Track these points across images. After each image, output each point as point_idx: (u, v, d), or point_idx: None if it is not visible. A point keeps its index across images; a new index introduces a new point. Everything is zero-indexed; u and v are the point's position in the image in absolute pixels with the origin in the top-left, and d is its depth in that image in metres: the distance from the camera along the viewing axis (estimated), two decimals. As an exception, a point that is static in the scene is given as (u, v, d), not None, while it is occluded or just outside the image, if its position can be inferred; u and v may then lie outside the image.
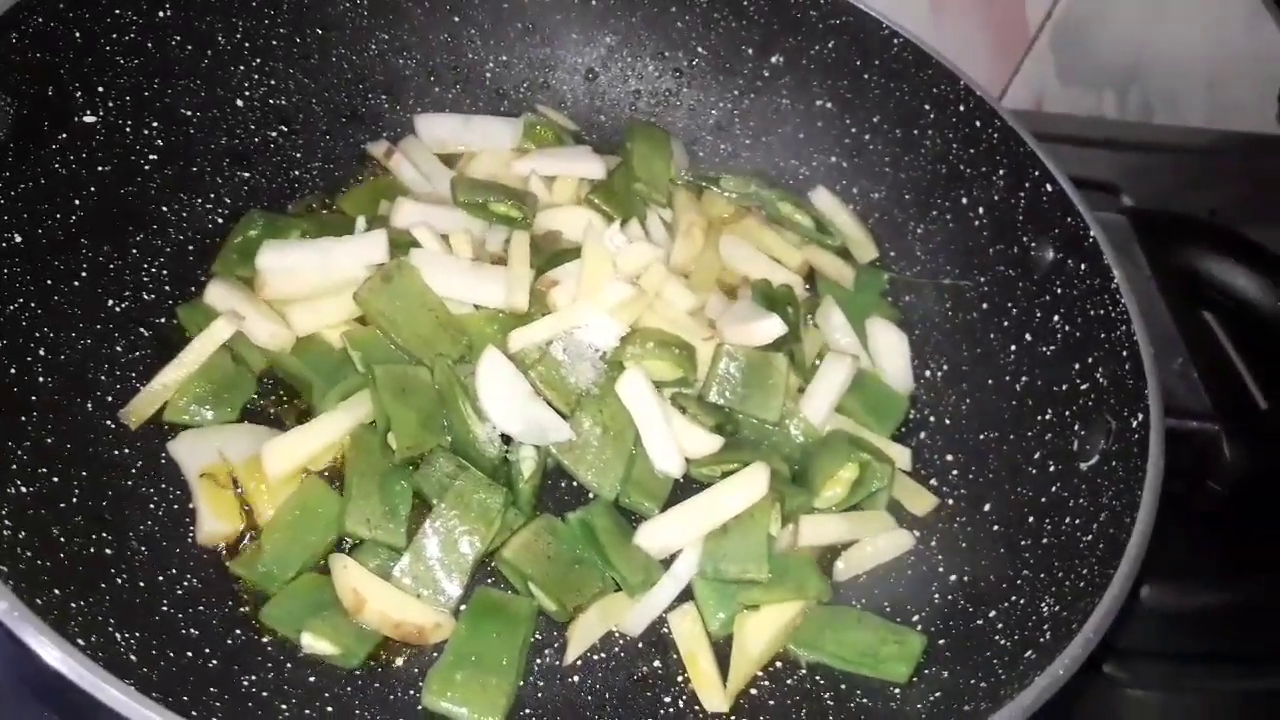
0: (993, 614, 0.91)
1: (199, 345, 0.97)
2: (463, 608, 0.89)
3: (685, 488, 0.99)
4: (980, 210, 1.12)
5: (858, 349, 1.11)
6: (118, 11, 0.99)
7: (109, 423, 0.93)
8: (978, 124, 1.11)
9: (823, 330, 1.13)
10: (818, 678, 0.92)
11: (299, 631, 0.86)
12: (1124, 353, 0.95)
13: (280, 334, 1.00)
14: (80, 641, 0.71)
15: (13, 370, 0.87)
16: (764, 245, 1.19)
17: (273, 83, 1.14)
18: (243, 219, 1.08)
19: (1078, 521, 0.91)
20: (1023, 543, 0.95)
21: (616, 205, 1.16)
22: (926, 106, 1.15)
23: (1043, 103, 1.80)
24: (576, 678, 0.90)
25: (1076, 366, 0.99)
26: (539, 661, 0.90)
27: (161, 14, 1.03)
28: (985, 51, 1.68)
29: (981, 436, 1.05)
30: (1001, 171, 1.10)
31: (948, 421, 1.09)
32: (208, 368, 0.97)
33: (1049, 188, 1.06)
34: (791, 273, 1.17)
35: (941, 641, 0.92)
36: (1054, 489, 0.96)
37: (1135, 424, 0.90)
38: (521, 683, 0.88)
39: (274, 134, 1.14)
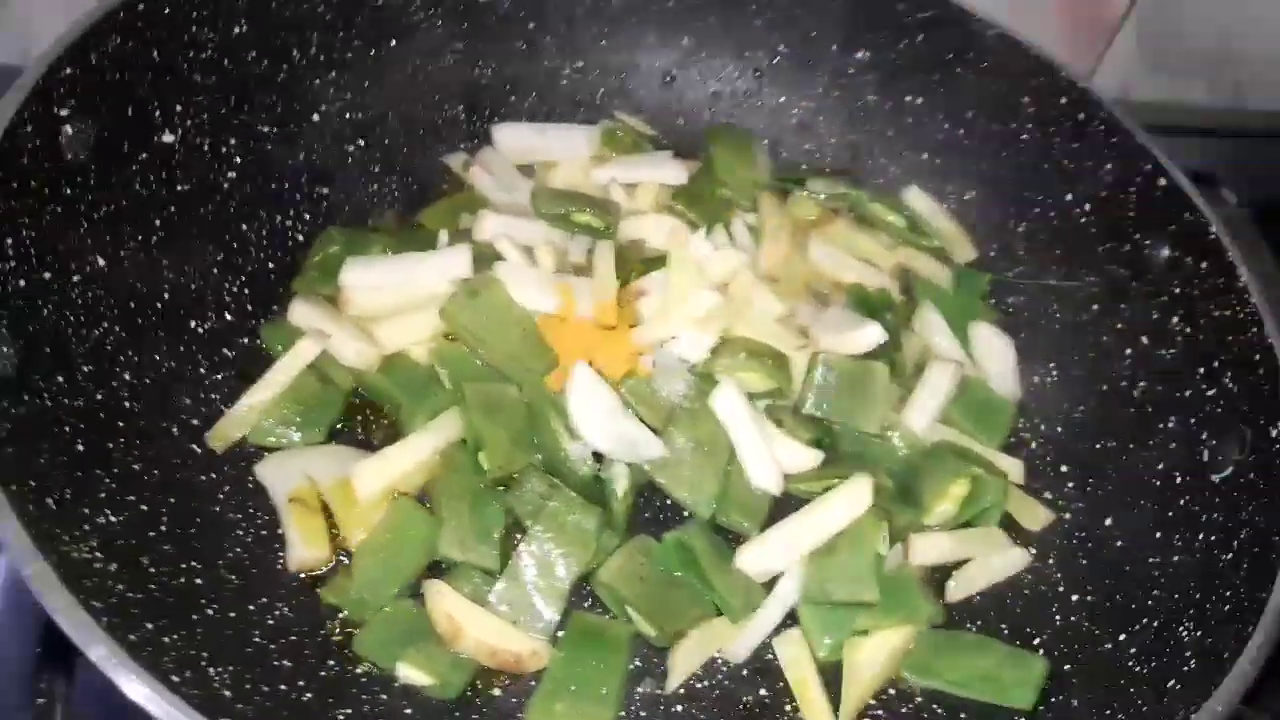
0: (1123, 638, 0.85)
1: (284, 365, 0.95)
2: (560, 634, 0.86)
3: (785, 505, 0.94)
4: (1087, 207, 1.06)
5: (960, 355, 1.06)
6: (194, 30, 0.98)
7: (195, 447, 0.91)
8: (1081, 116, 1.06)
9: (923, 336, 1.08)
10: (935, 706, 0.87)
11: (394, 661, 0.83)
12: (1256, 356, 0.88)
13: (366, 352, 0.97)
14: (174, 678, 0.68)
15: (98, 396, 0.86)
16: (855, 248, 1.14)
17: (349, 96, 1.12)
18: (321, 236, 1.06)
19: (1214, 538, 0.85)
20: (1151, 560, 0.89)
21: (700, 211, 1.12)
22: (1025, 99, 1.10)
23: (1130, 90, 1.73)
24: (680, 707, 0.86)
25: (1201, 371, 0.93)
26: (640, 690, 0.86)
27: (238, 30, 1.01)
28: (1067, 39, 1.62)
29: (1098, 447, 1.00)
30: (1109, 165, 1.04)
31: (1060, 431, 1.04)
32: (294, 388, 0.95)
33: (1162, 181, 1.00)
34: (885, 276, 1.12)
35: (1067, 667, 0.86)
36: (1183, 502, 0.90)
37: (1275, 433, 0.84)
38: (623, 713, 0.84)
39: (351, 149, 1.12)
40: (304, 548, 0.88)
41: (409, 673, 0.83)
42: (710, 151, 1.17)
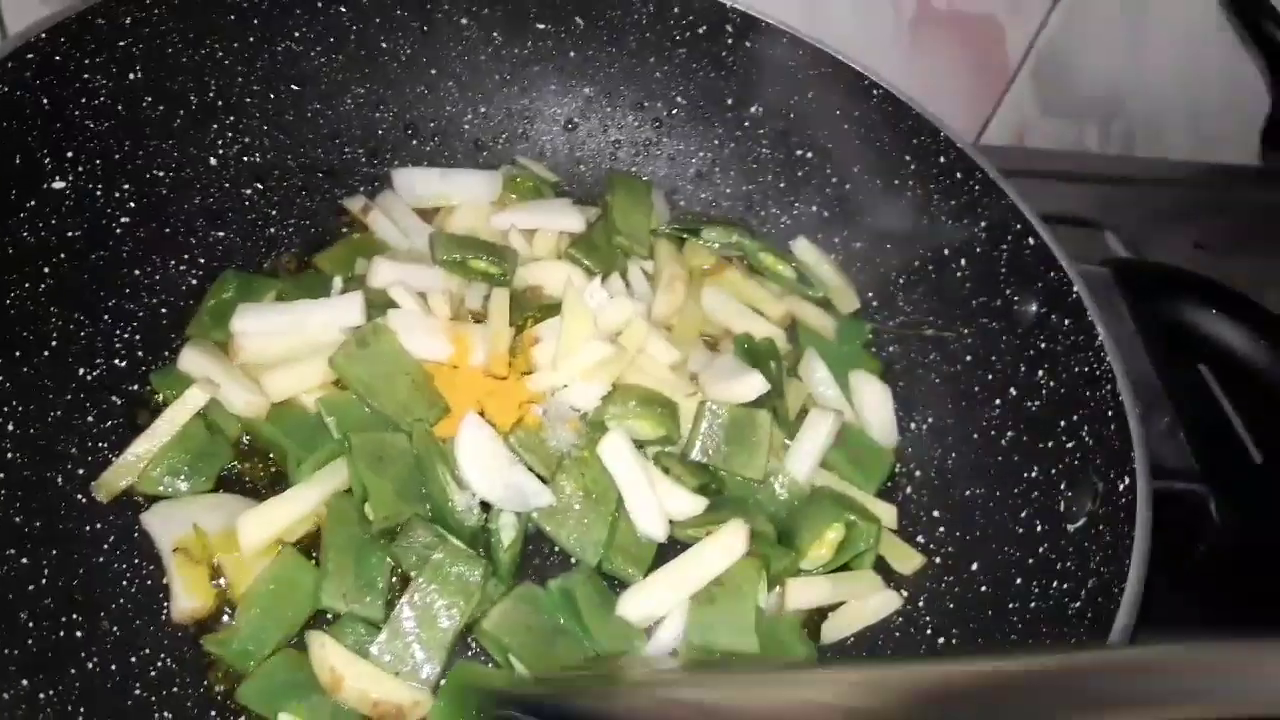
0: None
1: (172, 414, 0.95)
2: (442, 683, 0.88)
3: (670, 551, 0.97)
4: (963, 262, 1.11)
5: (842, 403, 1.10)
6: (86, 76, 0.98)
7: (80, 497, 0.91)
8: (959, 175, 1.11)
9: (806, 383, 1.12)
10: (805, 748, 0.90)
11: (277, 712, 0.84)
12: (1109, 412, 0.93)
13: (255, 401, 0.98)
14: (47, 738, 0.69)
15: (-21, 448, 0.85)
16: (746, 296, 1.18)
17: (246, 140, 1.13)
18: (217, 281, 1.06)
19: (1065, 586, 0.89)
20: (1010, 605, 0.93)
21: (597, 259, 1.15)
22: (907, 157, 1.14)
23: (1024, 136, 1.80)
24: (561, 753, 0.88)
25: (1062, 424, 0.98)
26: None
27: (132, 76, 1.02)
28: (966, 85, 1.68)
29: (968, 493, 1.04)
30: (983, 223, 1.09)
31: (934, 476, 1.08)
32: (182, 437, 0.95)
33: (1031, 240, 1.05)
34: (773, 324, 1.16)
35: None
36: (1041, 550, 0.95)
37: (1122, 487, 0.89)
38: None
39: (249, 192, 1.13)
40: (186, 598, 0.88)
41: (290, 724, 0.84)
42: (609, 200, 1.20)
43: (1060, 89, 1.73)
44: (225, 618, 0.90)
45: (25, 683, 0.76)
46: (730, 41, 1.20)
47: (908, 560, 1.02)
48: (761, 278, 1.20)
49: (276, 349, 1.01)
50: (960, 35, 1.61)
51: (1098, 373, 0.96)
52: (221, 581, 0.91)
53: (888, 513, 1.04)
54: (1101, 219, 1.57)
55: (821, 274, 1.19)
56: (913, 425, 1.12)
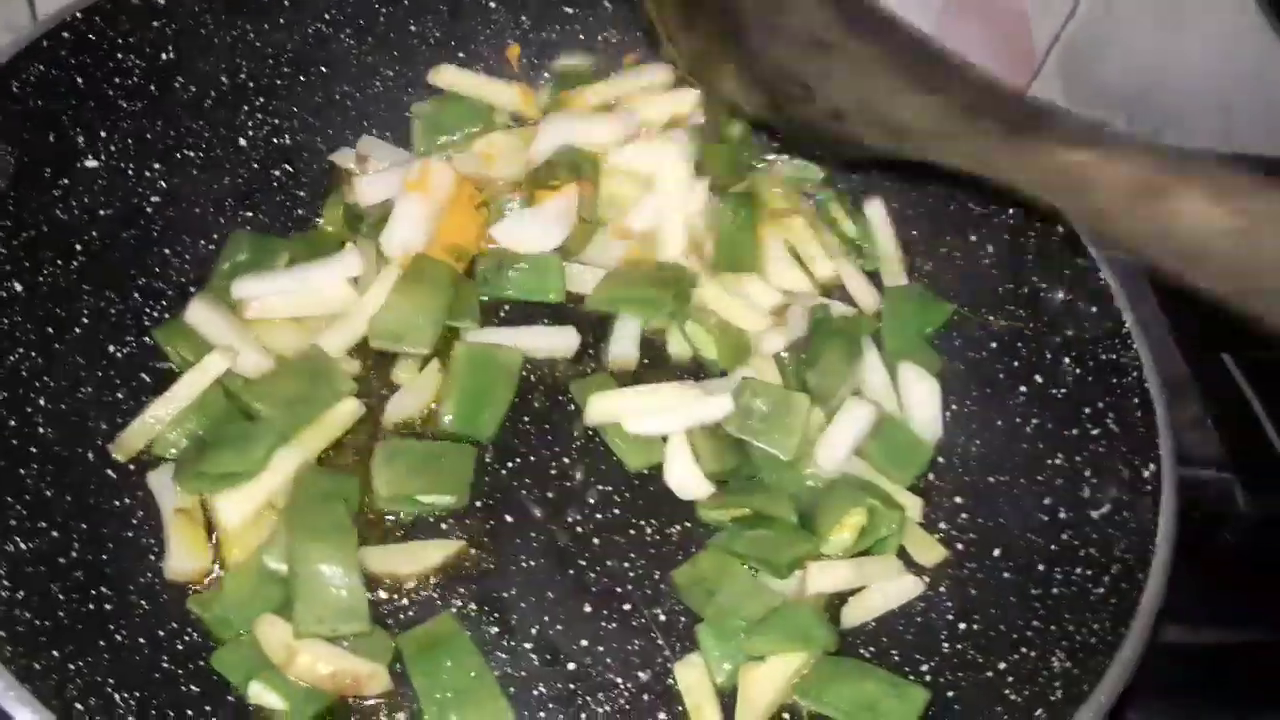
0: (1003, 666, 0.89)
1: (191, 379, 0.96)
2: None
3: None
4: (990, 248, 1.10)
5: (889, 392, 1.09)
6: (120, 56, 0.99)
7: (110, 472, 0.93)
8: (987, 162, 1.10)
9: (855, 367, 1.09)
10: (824, 730, 0.90)
11: (247, 680, 0.84)
12: (1135, 399, 0.93)
13: (263, 363, 0.99)
14: (79, 706, 0.70)
15: (12, 422, 0.87)
16: (801, 247, 1.17)
17: (276, 122, 1.13)
18: (229, 242, 1.07)
19: (1089, 572, 0.89)
20: (1033, 592, 0.93)
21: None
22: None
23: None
24: (581, 728, 0.89)
25: (1087, 411, 0.98)
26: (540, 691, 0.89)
27: (165, 57, 1.03)
28: (994, 75, 1.67)
29: (991, 480, 1.04)
30: (1010, 211, 1.08)
31: (957, 463, 1.08)
32: (201, 403, 0.95)
33: (1059, 227, 1.04)
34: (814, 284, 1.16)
35: (950, 694, 0.91)
36: (1065, 536, 0.94)
37: (1147, 474, 0.89)
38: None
39: (277, 173, 1.14)
40: (181, 558, 0.89)
41: (261, 693, 0.83)
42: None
43: (1088, 81, 1.72)
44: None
45: (55, 654, 0.77)
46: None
47: (930, 552, 1.01)
48: (822, 234, 1.18)
49: (284, 307, 1.02)
50: (987, 25, 1.60)
51: (1124, 360, 0.96)
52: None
53: (913, 504, 1.04)
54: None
55: (882, 240, 1.18)
56: (937, 412, 1.12)
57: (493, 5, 1.20)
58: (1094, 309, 1.00)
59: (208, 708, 0.82)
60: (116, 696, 0.77)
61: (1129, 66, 1.72)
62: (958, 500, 1.05)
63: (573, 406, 1.04)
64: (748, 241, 1.15)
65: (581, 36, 1.24)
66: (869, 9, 0.83)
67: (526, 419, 1.03)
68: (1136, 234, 0.66)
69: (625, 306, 1.10)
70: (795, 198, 1.20)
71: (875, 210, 1.20)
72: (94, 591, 0.84)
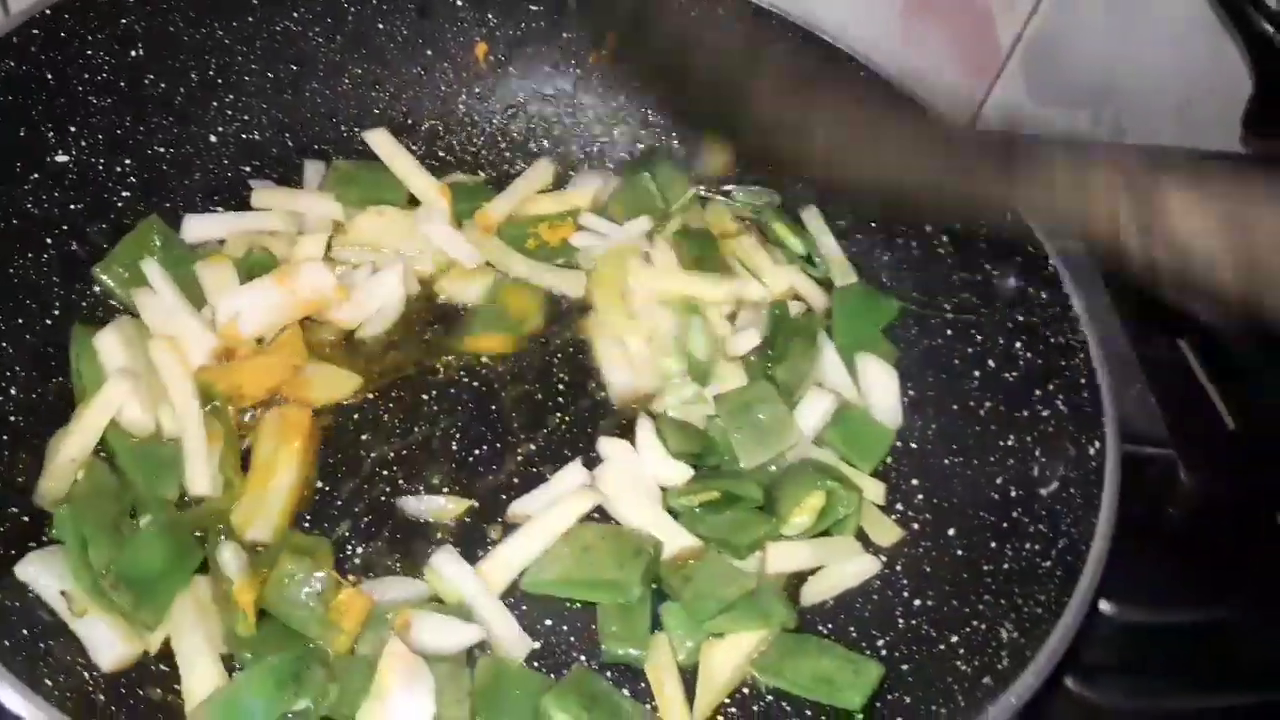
0: (955, 639, 0.92)
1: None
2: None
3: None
4: (944, 238, 1.13)
5: (848, 384, 1.12)
6: (90, 53, 1.01)
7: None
8: (941, 153, 1.13)
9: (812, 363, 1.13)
10: (783, 704, 0.93)
11: None
12: (1082, 380, 0.96)
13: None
14: (48, 683, 0.72)
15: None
16: (754, 264, 1.20)
17: (246, 118, 1.16)
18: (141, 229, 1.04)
19: (1037, 547, 0.92)
20: (985, 568, 0.96)
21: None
22: (893, 136, 1.16)
23: (1017, 121, 1.81)
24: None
25: (1038, 393, 1.01)
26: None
27: (134, 54, 1.05)
28: (958, 73, 1.70)
29: (946, 462, 1.07)
30: (963, 200, 1.11)
31: (914, 446, 1.11)
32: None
33: (1009, 215, 1.07)
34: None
35: (905, 667, 0.93)
36: (1015, 514, 0.97)
37: (1093, 451, 0.92)
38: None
39: (247, 169, 1.16)
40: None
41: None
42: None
43: (1051, 77, 1.75)
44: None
45: (25, 633, 0.79)
46: (722, 22, 1.22)
47: (887, 532, 1.04)
48: (771, 248, 1.22)
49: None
50: (950, 22, 1.63)
51: (1072, 342, 0.99)
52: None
53: (875, 489, 1.06)
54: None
55: (824, 246, 1.21)
56: (895, 397, 1.15)
57: (460, 4, 1.23)
58: (1044, 294, 1.03)
59: (177, 686, 0.83)
60: (86, 675, 0.79)
61: (1090, 64, 1.75)
62: (914, 482, 1.08)
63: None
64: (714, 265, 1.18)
65: (547, 33, 1.26)
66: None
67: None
68: (1129, 236, 0.69)
69: (579, 591, 0.95)
70: (740, 223, 1.24)
71: (812, 218, 1.24)
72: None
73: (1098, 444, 0.92)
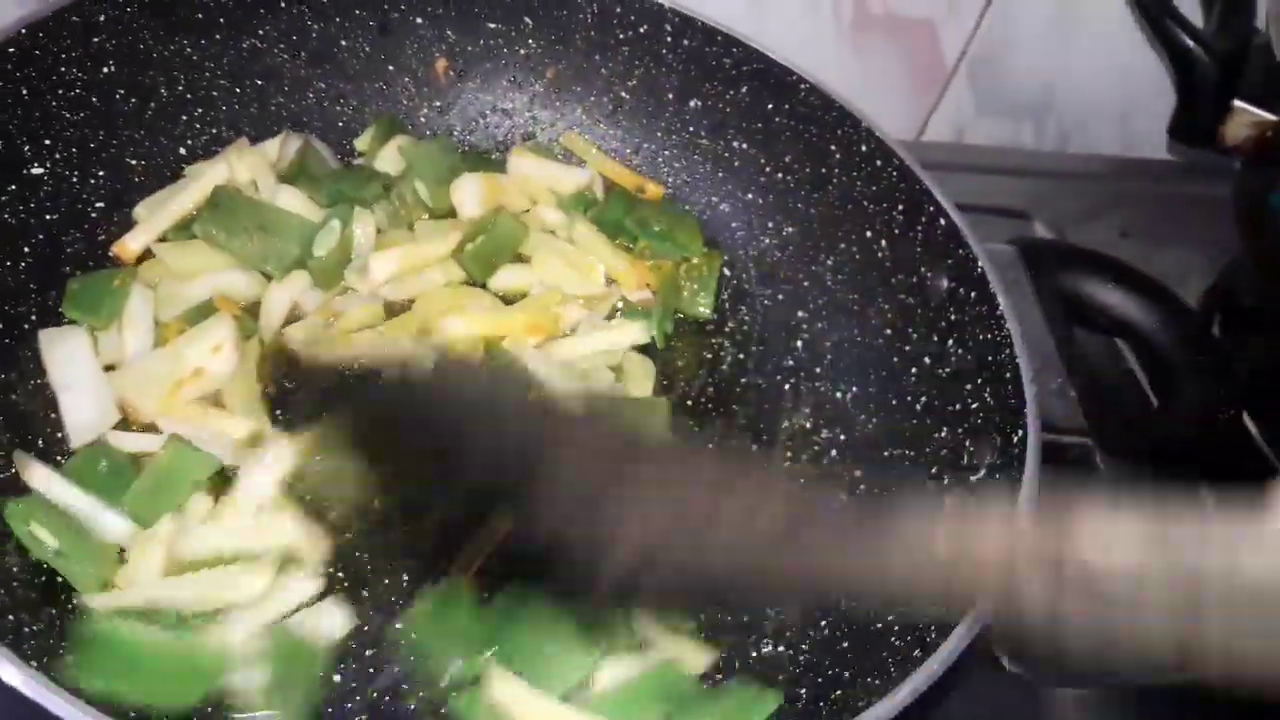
0: (890, 617, 0.98)
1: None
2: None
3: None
4: (883, 243, 1.20)
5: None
6: (63, 70, 1.05)
7: (61, 459, 0.98)
8: (878, 163, 1.19)
9: None
10: None
11: None
12: (1007, 374, 1.02)
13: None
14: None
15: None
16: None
17: (214, 131, 1.20)
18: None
19: (967, 531, 0.98)
20: (919, 553, 1.02)
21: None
22: (833, 147, 1.23)
23: (964, 134, 1.88)
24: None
25: (968, 387, 1.07)
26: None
27: (105, 70, 1.10)
28: (905, 86, 1.76)
29: (886, 454, 1.13)
30: (900, 207, 1.18)
31: (857, 440, 1.16)
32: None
33: (942, 222, 1.13)
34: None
35: (845, 644, 0.99)
36: (948, 501, 1.03)
37: (1015, 439, 0.98)
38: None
39: (217, 180, 1.20)
40: None
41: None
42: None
43: (995, 89, 1.82)
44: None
45: (11, 618, 0.83)
46: (669, 40, 1.28)
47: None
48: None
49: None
50: (897, 38, 1.69)
51: (999, 339, 1.05)
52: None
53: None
54: (1033, 210, 1.65)
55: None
56: (838, 395, 1.20)
57: (419, 21, 1.28)
58: (973, 294, 1.10)
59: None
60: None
61: (1033, 77, 1.82)
62: (856, 474, 1.14)
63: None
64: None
65: (505, 50, 1.32)
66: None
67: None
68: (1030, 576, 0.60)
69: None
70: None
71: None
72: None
73: (1020, 432, 0.98)
